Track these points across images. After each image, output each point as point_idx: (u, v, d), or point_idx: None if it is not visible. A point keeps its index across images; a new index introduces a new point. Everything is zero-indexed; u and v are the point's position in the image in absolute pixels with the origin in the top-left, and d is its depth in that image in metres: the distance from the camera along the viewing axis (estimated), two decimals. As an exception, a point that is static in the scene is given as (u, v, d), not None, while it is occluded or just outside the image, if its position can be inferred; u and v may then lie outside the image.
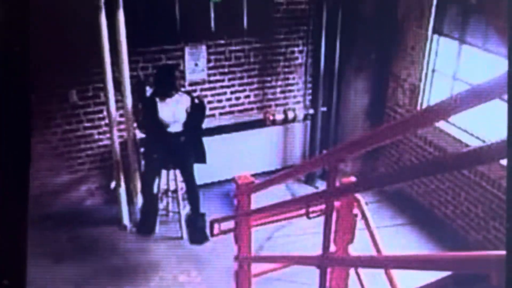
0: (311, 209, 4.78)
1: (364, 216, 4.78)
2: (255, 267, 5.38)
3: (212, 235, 5.54)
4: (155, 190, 6.23)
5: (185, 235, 6.34)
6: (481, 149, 2.63)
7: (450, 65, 6.10)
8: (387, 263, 4.03)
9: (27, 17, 3.63)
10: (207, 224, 5.91)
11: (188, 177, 6.17)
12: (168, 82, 5.94)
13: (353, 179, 4.72)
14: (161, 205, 6.40)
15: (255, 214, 5.25)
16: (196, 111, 6.06)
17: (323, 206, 4.67)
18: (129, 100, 6.12)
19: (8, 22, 3.51)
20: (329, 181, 4.25)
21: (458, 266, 2.84)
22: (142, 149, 6.34)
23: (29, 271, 5.54)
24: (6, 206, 3.52)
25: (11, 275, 3.48)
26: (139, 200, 6.45)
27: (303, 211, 4.92)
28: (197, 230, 6.26)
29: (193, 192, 6.24)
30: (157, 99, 5.96)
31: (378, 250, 4.63)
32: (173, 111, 5.97)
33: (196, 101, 6.07)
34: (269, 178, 5.36)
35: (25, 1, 3.63)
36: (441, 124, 6.12)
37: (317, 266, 4.63)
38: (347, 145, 4.22)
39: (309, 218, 4.50)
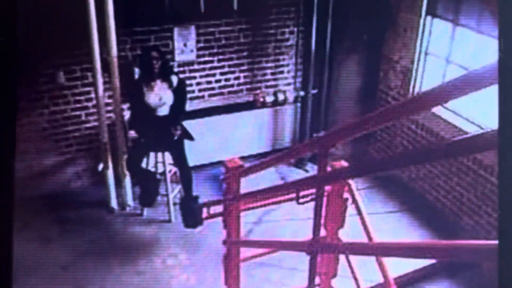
0: (301, 193, 4.67)
1: (354, 201, 4.67)
2: (244, 252, 5.28)
3: (201, 220, 5.45)
4: (143, 166, 6.13)
5: (173, 218, 6.21)
6: (474, 138, 2.50)
7: (443, 47, 5.95)
8: (378, 251, 3.92)
9: (14, 9, 3.50)
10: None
11: (179, 159, 6.01)
12: (152, 67, 5.76)
13: (344, 163, 4.61)
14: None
15: (244, 199, 5.13)
16: (181, 91, 5.91)
17: (313, 190, 4.55)
18: (117, 81, 5.95)
19: None
20: (320, 166, 4.12)
21: (450, 254, 2.71)
22: (130, 132, 6.19)
23: (17, 253, 5.43)
24: None
25: None
26: (127, 182, 6.29)
27: (293, 195, 4.80)
28: (192, 214, 6.10)
29: (185, 173, 6.08)
30: (143, 83, 5.80)
31: (368, 235, 4.54)
32: (160, 95, 5.80)
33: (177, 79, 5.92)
34: (259, 161, 5.24)
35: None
36: (434, 108, 5.98)
37: (307, 252, 4.51)
38: (339, 130, 4.08)
39: (299, 203, 4.38)
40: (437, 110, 5.97)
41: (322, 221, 4.41)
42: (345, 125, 3.94)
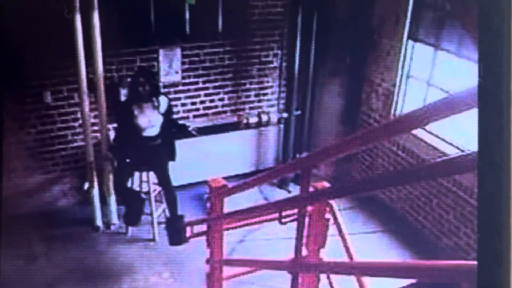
0: (283, 213, 4.68)
1: (336, 221, 4.67)
2: (227, 270, 5.26)
3: (185, 239, 5.43)
4: (128, 185, 6.10)
5: (157, 237, 6.19)
6: (453, 160, 2.51)
7: (425, 70, 5.98)
8: (359, 270, 3.92)
9: None
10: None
11: (164, 179, 5.99)
12: (143, 90, 5.73)
13: (325, 184, 4.62)
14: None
15: (227, 218, 5.12)
16: (171, 112, 5.91)
17: (295, 210, 4.56)
18: (103, 101, 5.94)
19: None
20: (303, 186, 4.12)
21: (430, 274, 2.71)
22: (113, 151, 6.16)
23: (4, 269, 5.38)
24: None
25: None
26: (112, 201, 6.27)
27: (275, 215, 4.80)
28: (177, 232, 6.07)
29: (170, 193, 6.05)
30: (133, 105, 5.75)
31: (349, 255, 4.53)
32: (149, 116, 5.77)
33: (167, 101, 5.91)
34: (243, 182, 5.22)
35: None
36: (415, 131, 6.00)
37: (289, 271, 4.51)
38: (322, 151, 4.10)
39: (281, 223, 4.38)
40: (418, 132, 5.98)
41: (304, 240, 4.42)
42: (327, 146, 3.96)
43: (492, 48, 3.09)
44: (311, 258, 4.58)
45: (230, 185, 5.11)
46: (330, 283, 4.62)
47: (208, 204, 5.23)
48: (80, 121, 6.18)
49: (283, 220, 4.36)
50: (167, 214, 6.14)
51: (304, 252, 4.58)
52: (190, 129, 5.91)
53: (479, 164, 3.14)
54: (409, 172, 3.61)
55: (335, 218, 4.62)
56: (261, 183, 6.18)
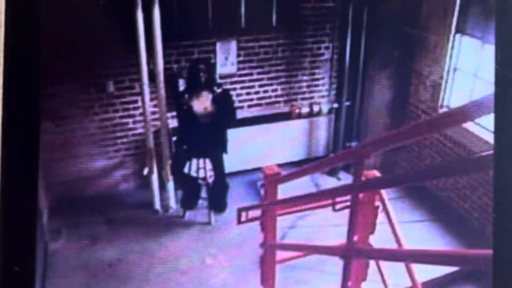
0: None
1: (385, 209, 4.74)
2: (280, 254, 5.36)
3: (239, 222, 5.53)
4: (186, 171, 6.23)
5: (213, 221, 6.28)
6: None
7: (472, 64, 5.93)
8: (407, 257, 3.98)
9: (36, 15, 3.57)
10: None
11: (217, 167, 6.12)
12: (200, 78, 5.89)
13: (376, 173, 4.69)
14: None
15: (281, 204, 5.22)
16: (227, 103, 6.02)
17: (347, 197, 4.65)
18: (163, 91, 6.07)
19: (18, 21, 3.46)
20: (356, 175, 4.21)
21: (473, 262, 2.77)
22: (174, 138, 6.29)
23: (68, 250, 5.56)
24: (16, 197, 3.47)
25: (21, 263, 3.44)
26: (170, 186, 6.40)
27: (327, 202, 4.89)
28: (218, 198, 6.17)
29: (221, 181, 6.18)
30: (190, 94, 5.93)
31: (398, 242, 4.60)
32: (204, 104, 5.91)
33: (220, 91, 6.02)
34: (296, 170, 5.31)
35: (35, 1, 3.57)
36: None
37: (341, 257, 4.60)
38: (375, 142, 4.17)
39: (335, 210, 4.47)
40: (466, 124, 5.96)
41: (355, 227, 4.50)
42: (380, 138, 4.02)
43: (510, 36, 3.10)
44: (360, 244, 4.66)
45: (283, 172, 5.21)
46: (379, 267, 4.69)
47: (262, 191, 5.33)
48: (141, 110, 6.31)
49: (337, 207, 4.46)
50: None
51: (355, 238, 4.67)
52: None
53: (495, 147, 3.17)
54: (459, 163, 3.65)
55: (384, 205, 4.69)
56: (314, 172, 6.25)
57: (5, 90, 3.42)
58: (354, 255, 4.51)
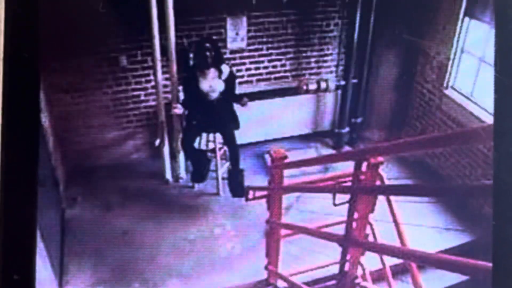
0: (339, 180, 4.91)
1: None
2: (284, 231, 5.50)
3: (247, 200, 5.66)
4: (196, 145, 6.33)
5: (221, 192, 6.40)
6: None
7: (479, 47, 5.92)
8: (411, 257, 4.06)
9: (36, 23, 3.59)
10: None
11: (230, 141, 6.22)
12: (206, 57, 5.95)
13: (380, 159, 4.76)
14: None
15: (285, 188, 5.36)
16: (231, 80, 6.10)
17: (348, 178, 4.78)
18: (174, 65, 6.14)
19: (17, 29, 3.48)
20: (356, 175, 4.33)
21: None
22: (185, 112, 6.37)
23: (84, 218, 5.72)
24: (16, 206, 3.54)
25: (21, 271, 3.51)
26: (181, 157, 6.52)
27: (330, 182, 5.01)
28: (238, 185, 6.31)
29: (234, 152, 6.29)
30: (197, 71, 6.01)
31: (395, 219, 4.69)
32: (210, 83, 5.99)
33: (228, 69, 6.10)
34: (301, 159, 5.43)
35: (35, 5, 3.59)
36: (465, 103, 6.05)
37: (339, 244, 4.76)
38: (374, 149, 4.30)
39: (335, 205, 4.59)
40: (469, 106, 6.02)
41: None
42: (381, 145, 4.12)
43: (509, 44, 3.14)
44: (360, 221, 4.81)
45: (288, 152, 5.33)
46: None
47: (269, 173, 5.47)
48: (153, 83, 6.38)
49: (337, 202, 4.58)
50: (230, 168, 6.39)
51: (356, 215, 4.82)
52: (242, 102, 6.11)
53: (494, 155, 3.24)
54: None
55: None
56: (319, 163, 6.31)
57: (4, 98, 3.44)
58: (352, 245, 4.67)
